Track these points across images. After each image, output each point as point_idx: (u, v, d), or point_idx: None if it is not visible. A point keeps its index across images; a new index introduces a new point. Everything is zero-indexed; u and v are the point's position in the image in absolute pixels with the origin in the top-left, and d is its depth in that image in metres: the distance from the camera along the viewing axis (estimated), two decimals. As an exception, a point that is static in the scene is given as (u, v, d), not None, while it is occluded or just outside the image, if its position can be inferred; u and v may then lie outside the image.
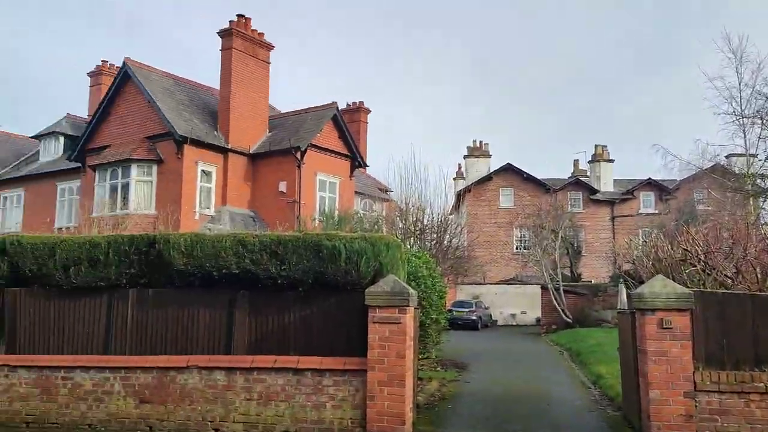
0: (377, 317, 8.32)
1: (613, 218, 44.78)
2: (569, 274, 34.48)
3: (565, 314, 28.37)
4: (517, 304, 37.31)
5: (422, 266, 13.27)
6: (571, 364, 17.30)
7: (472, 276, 35.83)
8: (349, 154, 27.23)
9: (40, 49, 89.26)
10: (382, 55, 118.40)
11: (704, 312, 7.99)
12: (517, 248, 43.15)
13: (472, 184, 44.98)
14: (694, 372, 7.80)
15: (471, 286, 37.18)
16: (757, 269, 9.43)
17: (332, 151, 26.42)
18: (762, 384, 7.70)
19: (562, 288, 28.96)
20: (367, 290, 8.41)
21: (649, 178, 43.95)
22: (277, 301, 8.90)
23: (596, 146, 47.48)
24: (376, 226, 22.37)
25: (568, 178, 47.25)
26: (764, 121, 23.00)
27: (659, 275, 8.60)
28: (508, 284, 39.37)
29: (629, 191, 45.28)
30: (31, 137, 32.19)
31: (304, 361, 8.59)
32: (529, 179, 45.14)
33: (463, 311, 31.96)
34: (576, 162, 48.80)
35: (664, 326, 7.86)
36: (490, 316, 35.70)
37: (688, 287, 8.50)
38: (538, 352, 20.92)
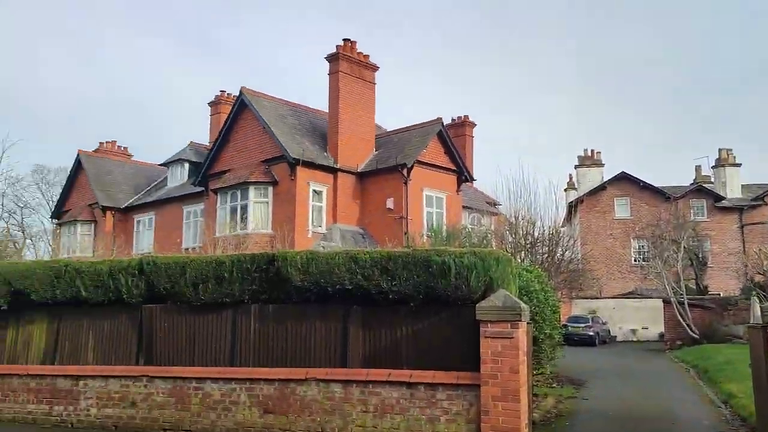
0: (489, 332, 8.32)
1: (742, 226, 41.76)
2: (694, 287, 32.52)
3: (691, 329, 26.74)
4: (637, 318, 35.60)
5: (534, 280, 13.06)
6: (698, 382, 16.33)
7: (587, 290, 34.61)
8: (455, 168, 27.31)
9: (164, 83, 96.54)
10: (489, 66, 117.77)
11: None
12: (635, 260, 41.24)
13: (584, 194, 43.61)
14: (838, 391, 7.18)
15: (587, 301, 35.90)
16: None
17: (438, 167, 26.61)
18: None
19: (686, 301, 27.34)
20: (478, 305, 8.44)
21: (783, 182, 40.64)
22: (388, 315, 9.12)
23: (720, 150, 44.64)
24: (485, 241, 22.19)
25: (690, 185, 44.66)
26: None
27: (793, 286, 8.02)
28: (627, 298, 37.66)
29: (760, 197, 42.08)
30: (160, 165, 34.90)
31: (417, 375, 8.73)
32: (647, 187, 43.12)
33: (579, 326, 30.93)
34: (698, 168, 46.14)
35: (801, 341, 7.31)
36: (608, 331, 34.26)
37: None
38: (661, 369, 19.87)
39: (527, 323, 9.05)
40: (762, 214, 41.45)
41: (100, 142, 37.89)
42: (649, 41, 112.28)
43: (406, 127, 28.12)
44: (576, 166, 46.74)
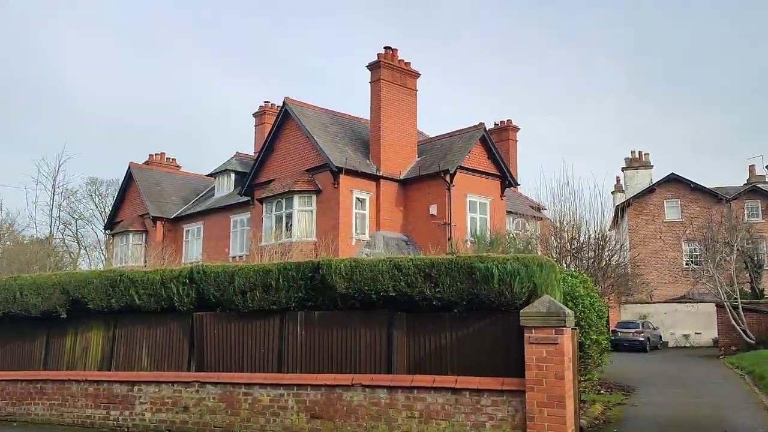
0: (533, 338, 8.30)
1: (799, 227, 40.24)
2: (749, 291, 31.49)
3: (746, 334, 25.90)
4: (689, 324, 34.70)
5: (579, 285, 12.90)
6: (753, 388, 15.82)
7: (637, 295, 33.87)
8: (498, 173, 27.17)
9: (212, 96, 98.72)
10: (530, 66, 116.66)
11: None
12: (686, 264, 40.19)
13: (632, 197, 42.74)
14: None
15: (637, 306, 35.20)
16: None
17: (481, 172, 26.52)
18: None
19: (741, 306, 26.49)
20: (522, 311, 8.43)
21: (843, 181, 39.04)
22: (432, 322, 9.18)
23: (775, 148, 43.23)
24: (529, 246, 21.98)
25: (743, 185, 43.37)
26: None
27: None
28: (678, 303, 36.74)
29: (818, 196, 40.51)
30: (207, 175, 35.75)
31: (462, 380, 8.75)
32: (697, 189, 42.06)
33: (629, 332, 30.34)
34: (751, 167, 44.69)
35: None
36: (660, 337, 33.49)
37: None
38: (715, 375, 19.31)
39: (572, 329, 8.98)
40: (821, 215, 39.91)
41: (150, 155, 38.92)
42: (695, 40, 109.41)
43: (449, 133, 28.13)
44: (623, 169, 45.89)
